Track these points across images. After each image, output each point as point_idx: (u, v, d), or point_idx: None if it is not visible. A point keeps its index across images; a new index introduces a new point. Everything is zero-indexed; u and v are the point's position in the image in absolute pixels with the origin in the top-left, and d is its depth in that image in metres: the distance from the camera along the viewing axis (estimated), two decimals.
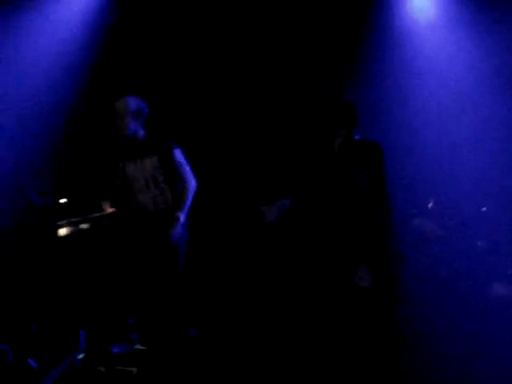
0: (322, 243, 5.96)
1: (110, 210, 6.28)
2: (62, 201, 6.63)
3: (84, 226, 6.40)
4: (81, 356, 5.54)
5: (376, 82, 7.20)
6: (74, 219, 6.46)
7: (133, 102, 5.79)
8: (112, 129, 5.79)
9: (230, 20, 7.57)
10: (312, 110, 6.86)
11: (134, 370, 5.52)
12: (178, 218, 5.72)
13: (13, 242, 6.26)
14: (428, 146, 7.10)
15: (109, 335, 5.87)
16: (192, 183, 5.84)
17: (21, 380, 5.14)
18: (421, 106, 7.26)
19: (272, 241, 6.90)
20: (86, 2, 7.48)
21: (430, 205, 6.96)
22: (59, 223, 6.43)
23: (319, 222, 5.99)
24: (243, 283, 6.86)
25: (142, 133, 5.85)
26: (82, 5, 7.46)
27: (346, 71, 7.37)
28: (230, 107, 7.59)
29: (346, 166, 5.76)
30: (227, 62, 7.62)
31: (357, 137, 5.89)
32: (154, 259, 5.74)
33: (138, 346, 5.86)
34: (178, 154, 5.85)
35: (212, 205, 7.29)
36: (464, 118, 7.20)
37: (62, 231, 6.41)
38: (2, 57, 7.10)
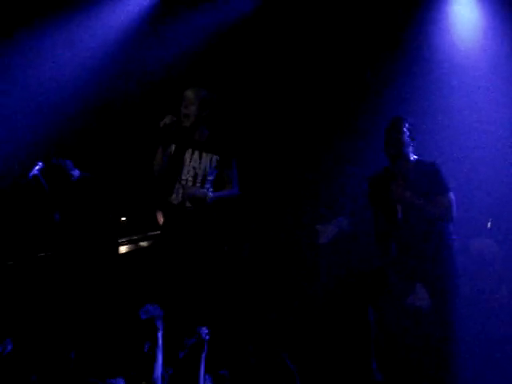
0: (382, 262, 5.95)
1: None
2: (123, 219, 6.75)
3: (144, 243, 6.49)
4: None
5: (420, 100, 7.17)
6: (134, 237, 6.56)
7: (203, 91, 5.78)
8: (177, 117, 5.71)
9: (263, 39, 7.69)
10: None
11: None
12: (206, 191, 5.72)
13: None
14: (485, 164, 7.02)
15: None
16: (235, 190, 5.81)
17: None
18: (469, 123, 7.18)
19: (325, 260, 6.91)
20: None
21: (488, 225, 6.88)
22: (120, 241, 6.54)
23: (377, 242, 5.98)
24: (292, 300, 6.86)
25: (206, 126, 5.81)
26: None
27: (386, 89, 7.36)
28: (290, 127, 7.64)
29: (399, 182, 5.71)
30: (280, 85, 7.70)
31: (413, 157, 5.80)
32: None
33: None
34: (235, 162, 5.85)
35: (267, 222, 7.33)
36: None
37: (123, 249, 6.52)
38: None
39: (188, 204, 5.70)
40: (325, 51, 7.67)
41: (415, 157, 5.76)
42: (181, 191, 5.71)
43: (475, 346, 6.05)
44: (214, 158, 5.75)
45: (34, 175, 5.88)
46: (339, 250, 6.86)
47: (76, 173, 6.32)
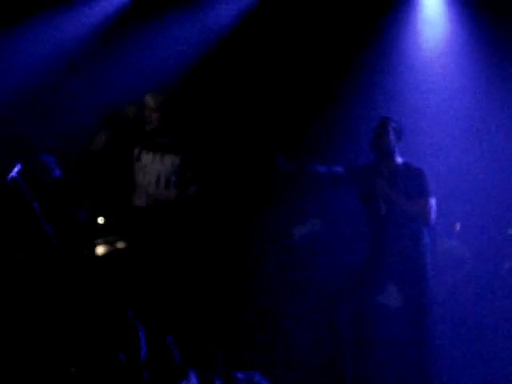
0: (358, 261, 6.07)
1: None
2: (100, 219, 6.75)
3: (121, 244, 6.49)
4: None
5: (384, 101, 7.30)
6: (110, 238, 6.57)
7: (164, 97, 5.80)
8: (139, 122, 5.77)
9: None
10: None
11: None
12: (170, 193, 5.77)
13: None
14: (451, 165, 7.15)
15: None
16: (198, 189, 5.82)
17: None
18: (435, 124, 7.33)
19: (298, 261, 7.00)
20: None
21: (457, 226, 7.02)
22: (96, 241, 6.54)
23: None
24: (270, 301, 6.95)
25: (169, 129, 5.82)
26: None
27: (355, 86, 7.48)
28: (267, 124, 7.70)
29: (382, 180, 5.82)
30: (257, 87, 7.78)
31: (399, 159, 5.95)
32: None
33: None
34: (198, 162, 5.86)
35: (240, 222, 7.39)
36: (489, 137, 7.28)
37: (100, 250, 6.52)
38: None
39: (152, 206, 5.76)
40: (291, 51, 7.72)
41: (401, 158, 5.93)
42: (145, 195, 5.74)
43: (445, 343, 6.21)
44: (177, 159, 5.78)
45: (13, 178, 5.83)
46: (311, 251, 6.96)
47: (57, 173, 6.29)
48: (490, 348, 6.31)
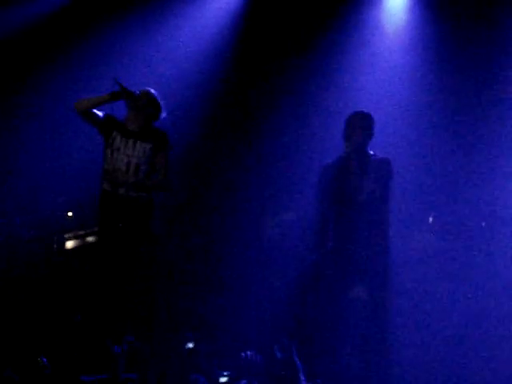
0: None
1: None
2: (69, 214, 6.72)
3: (90, 239, 6.47)
4: None
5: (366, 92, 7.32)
6: (80, 232, 6.54)
7: (153, 94, 5.84)
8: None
9: None
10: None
11: None
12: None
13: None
14: (427, 159, 7.16)
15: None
16: (165, 179, 5.84)
17: None
18: (414, 114, 7.36)
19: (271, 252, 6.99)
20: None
21: (430, 219, 7.03)
22: (66, 236, 6.52)
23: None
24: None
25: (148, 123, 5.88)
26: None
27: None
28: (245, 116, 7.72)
29: (355, 170, 5.84)
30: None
31: (370, 152, 5.99)
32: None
33: None
34: (168, 151, 5.87)
35: (215, 217, 7.36)
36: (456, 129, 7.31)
37: (69, 244, 6.49)
38: None
39: (121, 191, 5.74)
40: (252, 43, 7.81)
41: (371, 152, 5.97)
42: (113, 180, 5.76)
43: (419, 337, 6.20)
44: (148, 146, 5.78)
45: None
46: (283, 243, 6.96)
47: None
48: (466, 340, 6.27)
